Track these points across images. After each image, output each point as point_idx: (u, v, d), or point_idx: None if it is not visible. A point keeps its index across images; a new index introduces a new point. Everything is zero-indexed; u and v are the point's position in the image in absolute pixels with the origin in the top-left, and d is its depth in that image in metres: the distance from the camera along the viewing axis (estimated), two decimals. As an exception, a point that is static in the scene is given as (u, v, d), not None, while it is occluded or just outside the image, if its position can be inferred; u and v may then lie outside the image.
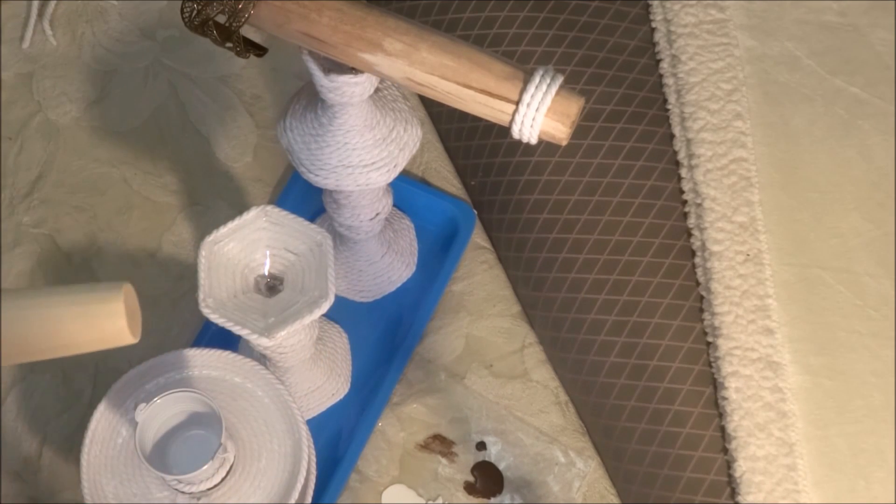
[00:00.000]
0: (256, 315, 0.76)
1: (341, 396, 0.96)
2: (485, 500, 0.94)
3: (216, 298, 0.76)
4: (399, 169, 0.80)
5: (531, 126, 0.65)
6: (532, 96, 0.64)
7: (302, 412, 0.75)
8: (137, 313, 0.59)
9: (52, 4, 1.10)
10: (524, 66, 0.66)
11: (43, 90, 1.09)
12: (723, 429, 0.86)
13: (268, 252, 0.79)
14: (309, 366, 0.91)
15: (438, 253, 1.02)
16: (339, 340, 0.97)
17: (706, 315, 0.88)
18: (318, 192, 0.88)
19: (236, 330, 0.75)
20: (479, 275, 1.02)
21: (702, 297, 0.89)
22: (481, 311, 1.01)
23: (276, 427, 0.74)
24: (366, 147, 0.78)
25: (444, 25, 1.01)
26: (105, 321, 0.57)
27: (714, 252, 0.89)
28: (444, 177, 1.05)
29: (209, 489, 0.70)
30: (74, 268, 1.01)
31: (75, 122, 1.07)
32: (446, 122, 1.06)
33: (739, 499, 0.84)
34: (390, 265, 0.99)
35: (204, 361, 0.75)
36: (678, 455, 0.88)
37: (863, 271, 0.90)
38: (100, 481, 0.71)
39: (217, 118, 1.07)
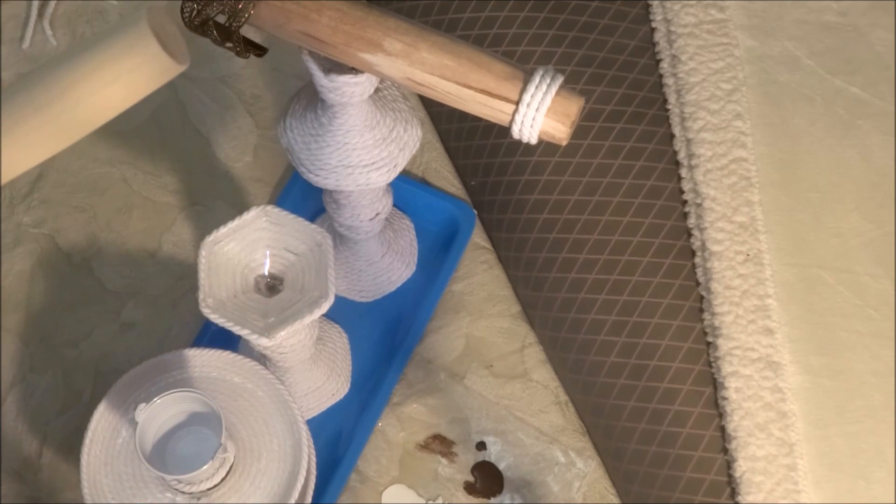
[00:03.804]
0: (256, 315, 0.76)
1: (341, 396, 0.96)
2: (485, 500, 0.94)
3: (216, 298, 0.76)
4: (399, 169, 0.80)
5: (531, 126, 0.65)
6: (532, 96, 0.64)
7: (302, 412, 0.75)
8: (176, 36, 0.55)
9: (52, 4, 1.10)
10: (524, 66, 0.66)
11: (43, 90, 1.08)
12: (723, 429, 0.86)
13: (268, 252, 0.79)
14: (309, 366, 0.91)
15: (438, 253, 1.02)
16: (339, 340, 0.97)
17: (706, 315, 0.88)
18: (318, 192, 0.88)
19: (236, 330, 0.75)
20: (479, 275, 1.02)
21: (702, 297, 0.89)
22: (481, 311, 1.01)
23: (276, 427, 0.73)
24: (366, 147, 0.78)
25: (444, 25, 1.01)
26: (139, 53, 0.54)
27: (714, 252, 0.89)
28: (444, 177, 1.05)
29: (209, 489, 0.70)
30: (74, 268, 1.01)
31: (75, 122, 1.07)
32: (446, 122, 1.06)
33: (739, 499, 0.84)
34: (390, 265, 0.99)
35: (204, 361, 0.75)
36: (678, 455, 0.88)
37: (863, 271, 0.90)
38: (100, 481, 0.71)
39: (217, 118, 1.07)
